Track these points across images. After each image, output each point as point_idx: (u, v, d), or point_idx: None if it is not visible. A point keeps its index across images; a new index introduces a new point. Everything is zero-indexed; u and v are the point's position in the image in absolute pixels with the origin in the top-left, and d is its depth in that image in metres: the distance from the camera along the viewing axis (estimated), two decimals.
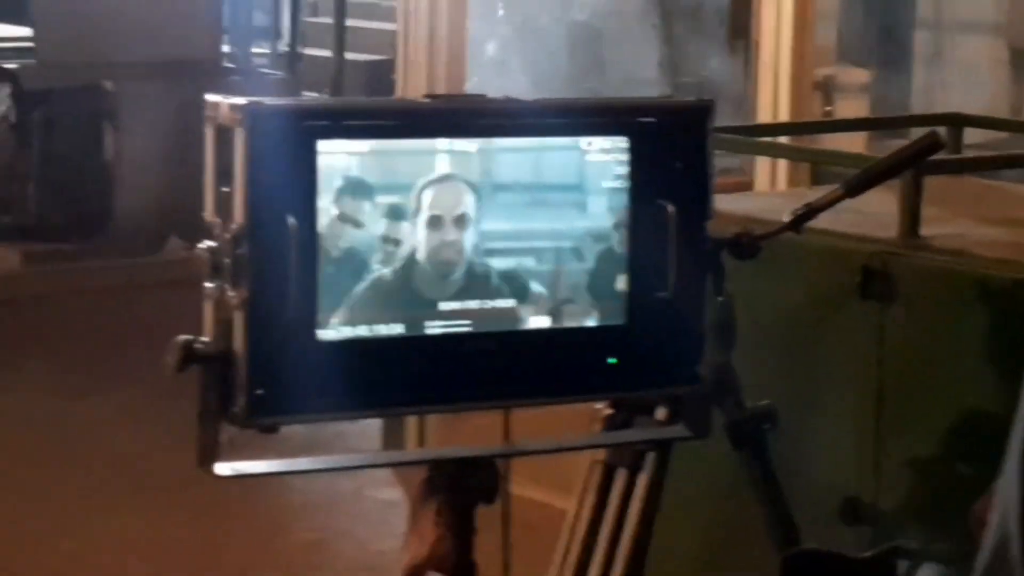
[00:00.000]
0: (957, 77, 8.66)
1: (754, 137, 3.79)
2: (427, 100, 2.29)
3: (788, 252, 2.68)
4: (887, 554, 2.67)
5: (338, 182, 2.09)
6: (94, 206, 7.86)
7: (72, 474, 5.20)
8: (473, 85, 5.61)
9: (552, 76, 8.12)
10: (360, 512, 4.88)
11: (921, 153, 2.57)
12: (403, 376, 2.16)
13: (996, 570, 1.81)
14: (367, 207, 2.11)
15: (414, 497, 2.27)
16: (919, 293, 2.79)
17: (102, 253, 7.69)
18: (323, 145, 2.09)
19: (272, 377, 2.08)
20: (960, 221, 3.08)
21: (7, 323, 6.99)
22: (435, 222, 2.15)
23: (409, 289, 2.14)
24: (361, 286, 2.12)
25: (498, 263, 2.19)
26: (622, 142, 2.23)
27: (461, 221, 2.16)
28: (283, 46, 9.02)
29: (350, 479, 4.95)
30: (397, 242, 2.13)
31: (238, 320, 2.07)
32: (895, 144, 2.65)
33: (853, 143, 5.17)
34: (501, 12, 7.90)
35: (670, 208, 2.23)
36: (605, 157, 2.22)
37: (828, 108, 6.59)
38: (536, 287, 2.21)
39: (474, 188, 2.16)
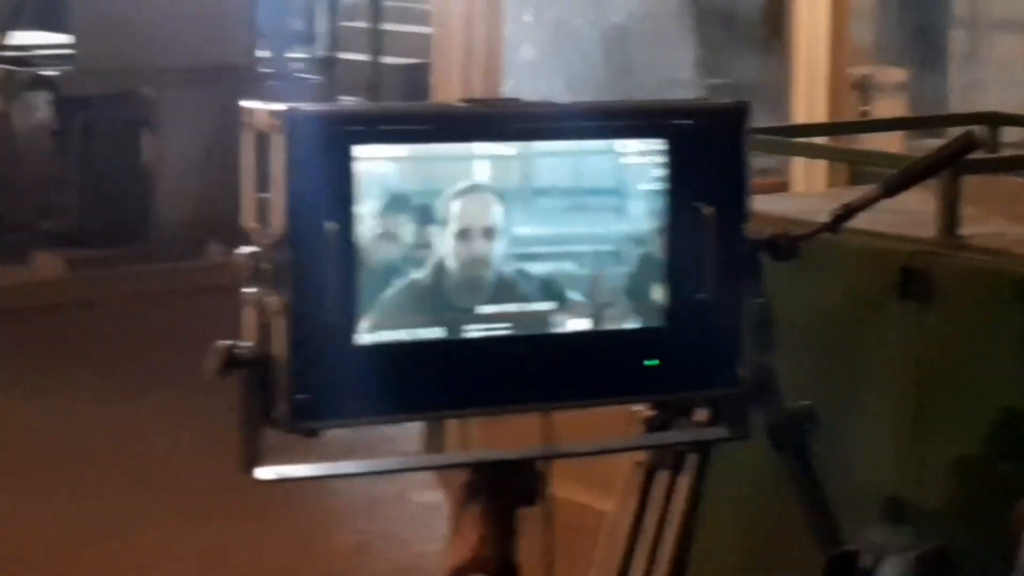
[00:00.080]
0: (994, 75, 8.62)
1: (791, 138, 3.79)
2: (463, 104, 2.30)
3: (826, 253, 2.68)
4: (930, 554, 2.67)
5: (382, 199, 2.10)
6: (134, 212, 7.91)
7: (113, 478, 5.23)
8: (509, 88, 5.62)
9: (587, 79, 8.12)
10: (402, 515, 4.90)
11: (959, 152, 2.57)
12: (443, 379, 2.17)
13: None
14: (407, 221, 2.12)
15: (456, 500, 2.28)
16: (958, 293, 2.78)
17: (142, 259, 7.74)
18: (360, 150, 2.10)
19: (313, 382, 2.09)
20: (998, 220, 3.07)
21: (50, 328, 7.04)
22: (464, 235, 2.15)
23: (440, 294, 2.15)
24: (390, 291, 2.12)
25: (537, 268, 2.19)
26: (659, 144, 2.23)
27: (489, 233, 2.16)
28: (319, 51, 9.05)
29: (392, 482, 4.96)
30: (428, 247, 2.14)
31: (278, 325, 2.09)
32: (932, 144, 2.65)
33: (890, 143, 5.15)
34: (529, 17, 7.90)
35: (708, 210, 2.24)
36: (642, 160, 2.23)
37: (864, 108, 6.57)
38: (575, 291, 2.21)
39: (502, 197, 2.16)
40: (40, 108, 7.96)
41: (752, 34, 8.45)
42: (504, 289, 2.17)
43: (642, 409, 2.50)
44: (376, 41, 8.61)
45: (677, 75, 8.37)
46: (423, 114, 2.28)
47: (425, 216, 2.13)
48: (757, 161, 2.33)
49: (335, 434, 2.19)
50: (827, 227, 2.47)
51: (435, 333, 2.15)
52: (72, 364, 6.46)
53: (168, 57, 7.84)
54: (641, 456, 2.55)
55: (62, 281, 7.57)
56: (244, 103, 2.14)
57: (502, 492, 2.24)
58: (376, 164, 2.11)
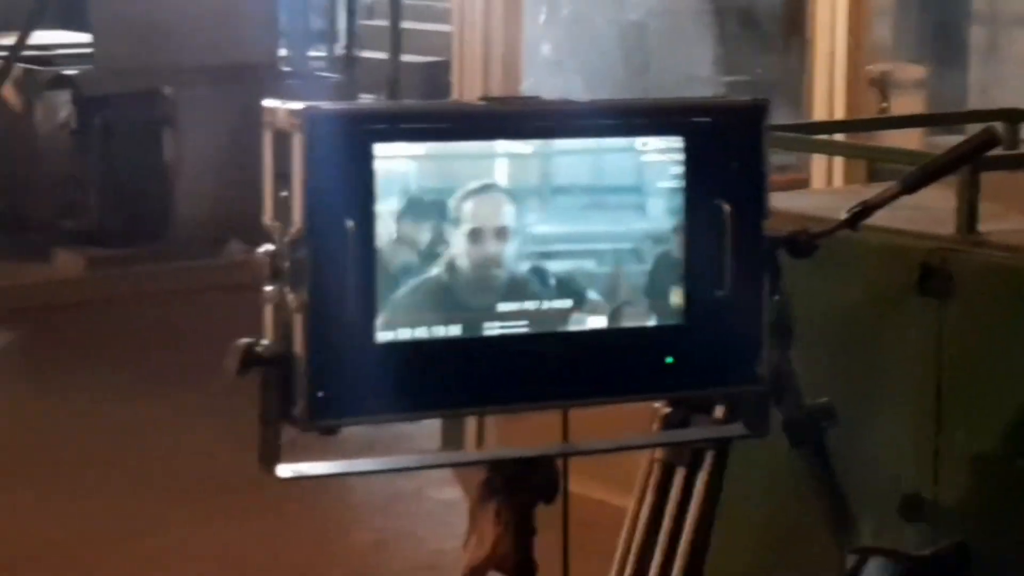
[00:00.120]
0: (1014, 72, 8.60)
1: (810, 135, 3.78)
2: (483, 102, 2.30)
3: (845, 250, 2.68)
4: (948, 551, 2.66)
5: (400, 199, 2.10)
6: (154, 211, 7.92)
7: (134, 476, 5.24)
8: (528, 87, 5.63)
9: (605, 76, 8.11)
10: (420, 512, 4.90)
11: (978, 149, 2.56)
12: (461, 377, 2.17)
13: None
14: (424, 223, 2.12)
15: (474, 497, 2.28)
16: (977, 289, 2.78)
17: (162, 257, 7.75)
18: (380, 148, 2.10)
19: (333, 379, 2.09)
20: (1018, 217, 3.07)
21: (72, 327, 7.06)
22: (476, 235, 2.15)
23: (452, 294, 2.15)
24: (403, 289, 2.12)
25: (556, 266, 2.20)
26: (677, 142, 2.23)
27: (502, 233, 2.16)
28: (339, 49, 9.06)
29: (410, 479, 4.97)
30: (443, 245, 2.14)
31: (298, 323, 2.09)
32: (951, 140, 2.64)
33: (909, 140, 5.14)
34: (543, 17, 7.90)
35: (726, 207, 2.24)
36: (661, 157, 2.23)
37: (884, 105, 6.56)
38: (594, 289, 2.21)
39: (515, 197, 2.16)
40: (61, 107, 7.98)
41: (771, 31, 8.44)
42: (517, 289, 2.17)
43: (660, 406, 2.50)
44: (396, 39, 8.62)
45: (696, 72, 8.36)
46: (443, 112, 2.28)
47: (441, 214, 2.13)
48: (775, 158, 2.33)
49: (352, 431, 2.19)
50: (846, 224, 2.47)
51: (453, 331, 2.15)
52: (93, 362, 6.48)
53: (188, 56, 7.86)
54: (659, 453, 2.56)
55: (82, 279, 7.59)
56: (264, 102, 2.14)
57: (520, 490, 2.24)
58: (396, 163, 2.11)
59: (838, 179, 4.82)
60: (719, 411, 2.47)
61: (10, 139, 8.04)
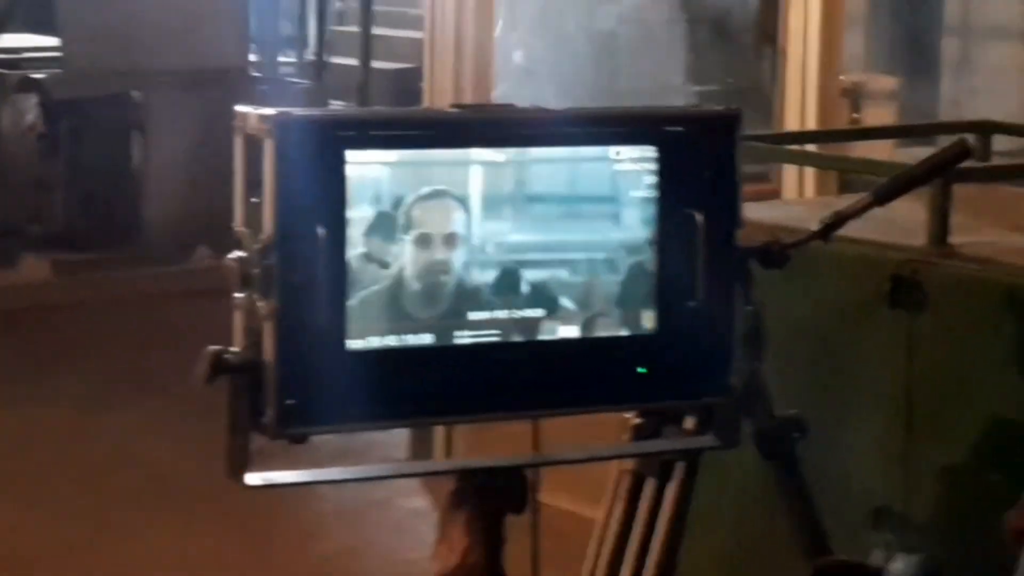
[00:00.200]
0: (985, 84, 8.63)
1: (782, 145, 3.79)
2: (456, 110, 2.29)
3: (817, 261, 2.68)
4: (917, 564, 2.66)
5: (370, 209, 2.08)
6: (122, 215, 7.89)
7: (100, 484, 5.21)
8: (499, 94, 5.62)
9: (577, 84, 8.11)
10: (389, 521, 4.89)
11: (950, 161, 2.56)
12: (432, 386, 2.16)
13: None
14: (393, 248, 2.10)
15: (443, 506, 2.27)
16: (948, 301, 2.78)
17: (130, 262, 7.72)
18: (352, 155, 2.09)
19: (302, 387, 2.08)
20: (989, 229, 3.07)
21: (37, 332, 7.02)
22: (423, 240, 2.13)
23: (398, 302, 2.12)
24: (358, 297, 2.09)
25: (530, 274, 2.18)
26: (651, 151, 2.22)
27: (451, 240, 2.15)
28: (310, 55, 9.04)
29: (378, 488, 4.95)
30: (384, 263, 2.10)
31: (268, 330, 2.08)
32: (923, 152, 2.64)
33: (880, 151, 5.15)
34: (520, 23, 7.90)
35: (699, 217, 2.23)
36: (635, 167, 2.22)
37: (856, 115, 6.57)
38: (567, 298, 2.20)
39: (465, 204, 2.15)
40: (29, 111, 7.94)
41: (743, 41, 8.45)
42: (465, 297, 2.15)
43: (631, 417, 2.49)
44: (367, 45, 8.61)
45: (667, 81, 8.37)
46: (415, 120, 2.27)
47: (384, 227, 2.11)
48: (747, 167, 2.33)
49: (324, 439, 2.18)
50: (818, 235, 2.47)
51: (424, 339, 2.14)
52: (59, 367, 6.45)
53: (158, 60, 7.83)
54: (629, 464, 2.55)
55: (49, 284, 7.55)
56: (236, 107, 2.13)
57: (489, 499, 2.23)
58: (367, 169, 2.10)
59: (809, 190, 4.82)
60: (690, 422, 2.46)
61: None
